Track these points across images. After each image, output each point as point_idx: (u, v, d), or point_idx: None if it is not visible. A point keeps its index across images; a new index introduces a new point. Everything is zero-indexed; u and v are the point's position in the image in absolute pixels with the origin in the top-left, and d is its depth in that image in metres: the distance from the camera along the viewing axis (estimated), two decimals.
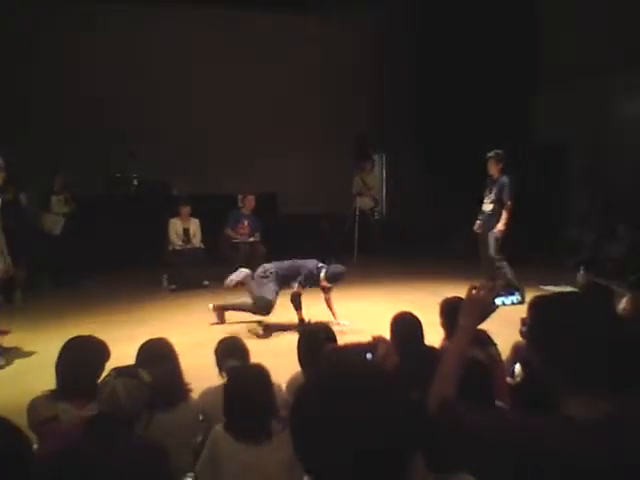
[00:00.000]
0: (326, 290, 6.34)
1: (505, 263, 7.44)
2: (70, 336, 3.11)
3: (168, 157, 10.59)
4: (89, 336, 3.12)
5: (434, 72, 11.31)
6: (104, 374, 2.47)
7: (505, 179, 7.70)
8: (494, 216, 7.68)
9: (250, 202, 9.04)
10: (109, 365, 2.99)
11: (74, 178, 9.05)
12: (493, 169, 7.74)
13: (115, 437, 2.21)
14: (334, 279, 6.22)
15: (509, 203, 7.55)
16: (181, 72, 11.21)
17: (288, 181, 11.16)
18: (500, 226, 7.56)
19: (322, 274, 6.18)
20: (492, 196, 7.73)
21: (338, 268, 6.29)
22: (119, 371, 2.40)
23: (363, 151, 11.70)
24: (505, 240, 7.61)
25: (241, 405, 2.53)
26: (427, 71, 11.57)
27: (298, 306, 6.26)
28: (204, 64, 11.32)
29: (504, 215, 7.59)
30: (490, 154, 7.76)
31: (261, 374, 2.67)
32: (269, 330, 6.27)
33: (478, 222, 7.87)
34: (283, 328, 6.27)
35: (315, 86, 12.05)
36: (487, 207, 7.78)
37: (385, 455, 1.03)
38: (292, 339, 5.66)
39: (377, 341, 1.63)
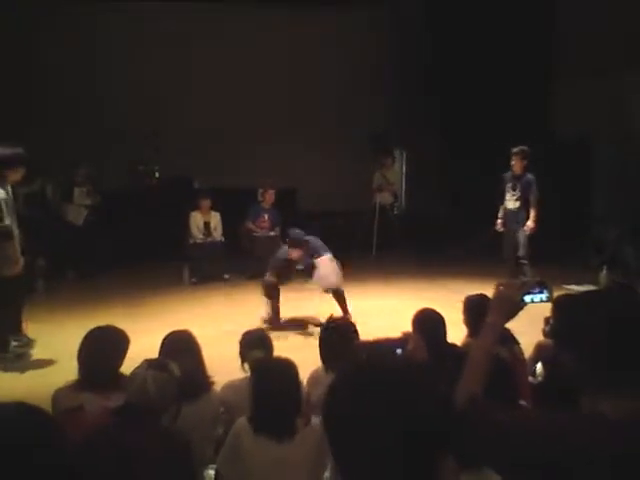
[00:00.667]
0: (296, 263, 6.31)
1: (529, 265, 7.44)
2: (91, 327, 3.15)
3: (190, 150, 10.62)
4: (108, 326, 3.16)
5: (452, 67, 11.20)
6: (134, 365, 2.49)
7: (531, 176, 7.61)
8: (520, 214, 7.60)
9: (270, 196, 9.06)
10: (130, 357, 3.04)
11: (97, 170, 9.14)
12: (518, 166, 7.61)
13: (142, 427, 2.23)
14: (293, 244, 6.17)
15: (537, 201, 7.49)
16: (206, 66, 11.23)
17: (305, 178, 11.14)
18: (531, 224, 7.49)
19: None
20: (517, 193, 7.63)
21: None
22: (150, 363, 2.42)
23: (383, 146, 11.64)
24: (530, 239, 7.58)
25: (270, 400, 2.54)
26: (445, 67, 11.45)
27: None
28: (227, 62, 11.34)
29: (533, 213, 7.50)
30: (515, 150, 7.63)
31: (291, 369, 2.68)
32: (289, 324, 6.29)
33: (500, 220, 7.78)
34: (300, 323, 6.30)
35: (332, 83, 12.00)
36: (512, 204, 7.66)
37: (417, 450, 1.04)
38: (309, 334, 5.76)
39: (407, 337, 1.64)
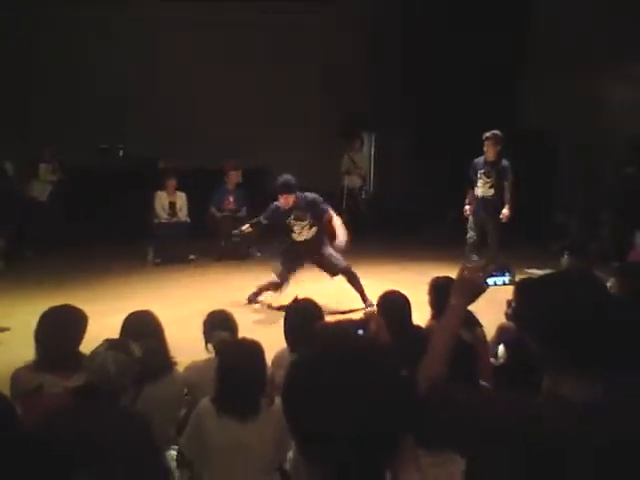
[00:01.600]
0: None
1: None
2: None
3: (157, 130, 10.46)
4: (65, 305, 3.11)
5: (422, 53, 11.23)
6: (95, 346, 2.45)
7: (506, 163, 7.31)
8: (493, 202, 7.31)
9: (233, 177, 8.97)
10: (92, 337, 2.99)
11: (62, 148, 9.01)
12: (491, 151, 7.27)
13: (100, 407, 2.21)
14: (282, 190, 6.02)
15: (513, 188, 7.21)
16: (175, 47, 11.03)
17: (276, 159, 11.06)
18: (507, 212, 7.21)
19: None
20: (491, 180, 7.32)
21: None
22: (111, 343, 2.39)
23: (351, 129, 11.61)
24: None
25: (234, 379, 2.53)
26: (415, 52, 11.47)
27: None
28: (198, 43, 11.16)
29: (510, 201, 7.21)
30: (487, 135, 7.28)
31: (257, 349, 2.67)
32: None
33: (468, 206, 7.49)
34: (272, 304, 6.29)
35: (304, 62, 11.92)
36: (485, 192, 7.36)
37: (376, 429, 1.04)
38: (276, 315, 5.75)
39: (369, 318, 1.63)
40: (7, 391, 2.72)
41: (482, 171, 7.39)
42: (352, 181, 10.96)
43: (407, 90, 11.86)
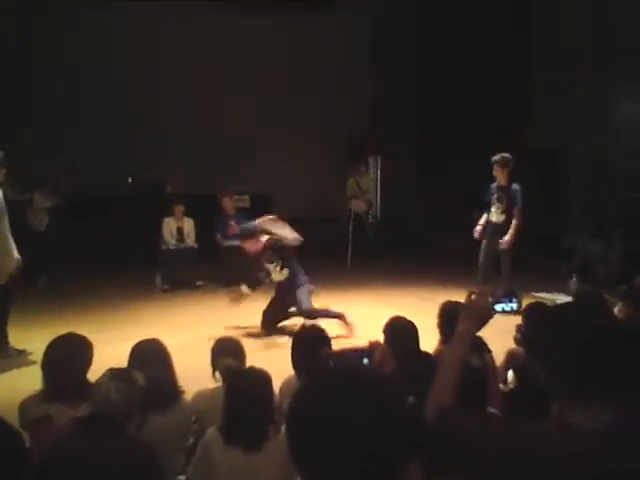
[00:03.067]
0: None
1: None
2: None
3: (163, 156, 10.56)
4: (70, 334, 3.11)
5: (431, 73, 11.33)
6: (98, 375, 2.45)
7: (517, 186, 7.09)
8: (504, 228, 7.08)
9: (227, 203, 8.97)
10: (101, 365, 2.99)
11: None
12: (500, 175, 7.09)
13: (105, 437, 2.21)
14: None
15: (520, 214, 7.03)
16: (180, 71, 11.16)
17: (283, 182, 11.13)
18: (508, 237, 7.00)
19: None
20: (502, 206, 7.12)
21: None
22: (114, 373, 2.39)
23: (357, 154, 11.68)
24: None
25: (242, 410, 2.52)
26: (424, 73, 11.60)
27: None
28: (202, 63, 11.27)
29: (514, 226, 7.01)
30: (495, 158, 7.09)
31: (265, 379, 2.66)
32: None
33: (479, 227, 7.30)
34: (281, 331, 6.26)
35: (310, 87, 12.03)
36: (497, 217, 7.17)
37: (379, 459, 1.03)
38: (284, 342, 5.73)
39: (374, 346, 1.63)
40: (15, 420, 2.72)
41: (495, 196, 7.19)
42: (358, 205, 10.99)
43: (413, 113, 11.95)
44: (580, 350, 1.40)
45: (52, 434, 2.53)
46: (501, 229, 7.10)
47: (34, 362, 3.92)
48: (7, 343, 5.49)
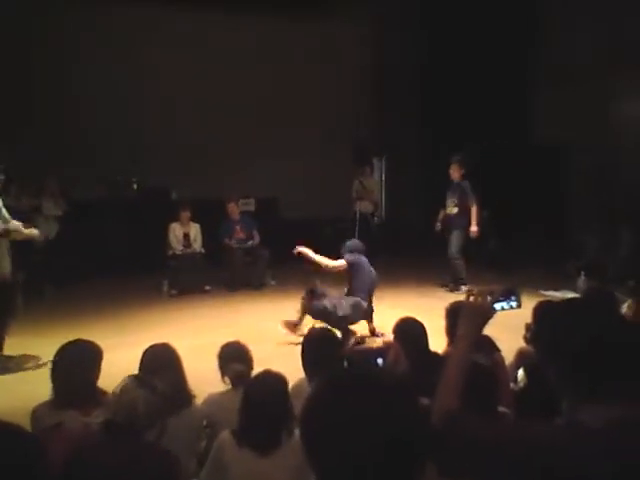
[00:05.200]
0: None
1: (462, 261, 8.17)
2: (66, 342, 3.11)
3: (168, 161, 10.58)
4: (79, 340, 3.12)
5: (434, 73, 11.33)
6: (112, 379, 2.46)
7: (467, 183, 8.24)
8: (457, 218, 8.24)
9: (232, 208, 9.07)
10: (110, 371, 3.01)
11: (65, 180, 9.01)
12: (456, 174, 8.28)
13: (126, 444, 2.21)
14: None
15: (475, 206, 8.12)
16: (183, 74, 11.19)
17: (288, 185, 11.15)
18: (474, 227, 8.09)
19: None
20: (455, 200, 8.29)
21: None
22: (139, 381, 2.39)
23: (362, 155, 11.69)
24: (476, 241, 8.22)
25: (259, 414, 2.53)
26: (427, 72, 11.59)
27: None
28: (205, 65, 11.31)
29: (475, 216, 8.11)
30: (455, 158, 8.30)
31: (281, 383, 2.67)
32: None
33: (438, 223, 8.53)
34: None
35: (315, 89, 12.04)
36: (451, 211, 8.35)
37: (394, 460, 1.04)
38: (292, 345, 5.73)
39: (387, 346, 1.64)
40: (28, 427, 2.73)
41: (449, 192, 8.44)
42: (364, 206, 10.98)
43: (418, 115, 11.95)
44: (590, 347, 1.40)
45: (66, 441, 2.54)
46: (454, 220, 8.29)
47: (45, 369, 3.93)
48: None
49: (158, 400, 2.36)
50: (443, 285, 8.36)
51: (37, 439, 1.45)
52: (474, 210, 8.14)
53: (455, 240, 8.22)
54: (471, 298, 1.76)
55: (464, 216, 8.19)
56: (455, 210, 8.32)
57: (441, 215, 8.56)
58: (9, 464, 1.25)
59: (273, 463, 2.48)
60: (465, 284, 7.84)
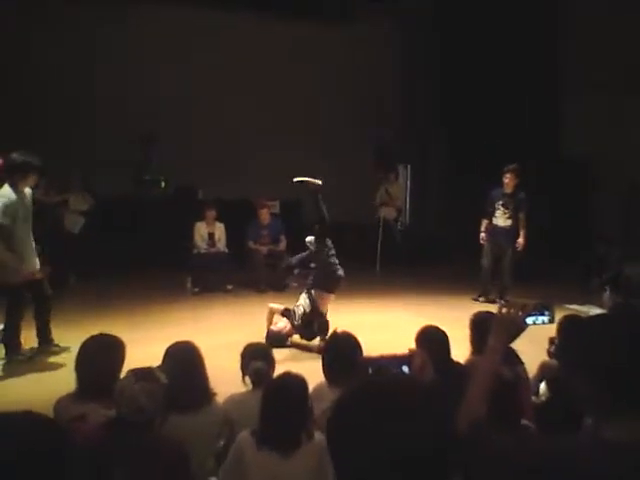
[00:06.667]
0: None
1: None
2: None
3: (196, 160, 10.65)
4: (102, 334, 3.17)
5: (460, 80, 11.24)
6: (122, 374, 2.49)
7: (524, 195, 7.79)
8: (511, 232, 7.78)
9: (263, 214, 9.07)
10: (135, 364, 3.04)
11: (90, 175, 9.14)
12: (511, 183, 7.77)
13: (133, 438, 2.23)
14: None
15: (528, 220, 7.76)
16: (215, 75, 11.23)
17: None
18: (522, 241, 7.70)
19: None
20: (509, 212, 7.80)
21: None
22: (137, 375, 2.41)
23: (387, 161, 11.66)
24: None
25: (279, 413, 2.54)
26: (452, 80, 11.50)
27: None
28: (238, 66, 11.35)
29: (524, 231, 7.73)
30: (511, 167, 7.77)
31: (302, 384, 2.68)
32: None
33: (484, 234, 7.99)
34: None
35: (342, 95, 12.04)
36: (503, 222, 7.85)
37: (419, 471, 1.04)
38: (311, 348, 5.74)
39: (413, 354, 1.64)
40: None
41: (500, 202, 7.88)
42: (388, 212, 10.97)
43: (443, 121, 11.88)
44: (616, 362, 1.39)
45: (86, 433, 2.57)
46: (507, 233, 7.84)
47: (69, 362, 3.99)
48: (19, 345, 5.58)
49: (159, 390, 2.37)
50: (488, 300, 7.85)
51: (62, 429, 1.47)
52: (524, 223, 7.78)
53: (511, 261, 7.80)
54: (504, 310, 1.75)
55: (517, 230, 7.80)
56: (509, 222, 7.84)
57: (484, 225, 8.04)
58: (34, 451, 1.27)
59: (292, 465, 2.48)
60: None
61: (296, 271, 6.15)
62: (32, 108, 10.10)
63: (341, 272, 5.96)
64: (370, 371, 1.57)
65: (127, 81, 10.84)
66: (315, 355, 3.34)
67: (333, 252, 6.04)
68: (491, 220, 7.96)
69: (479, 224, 8.16)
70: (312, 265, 6.21)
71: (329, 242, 6.06)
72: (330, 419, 1.13)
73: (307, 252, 6.39)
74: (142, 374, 2.42)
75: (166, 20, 11.17)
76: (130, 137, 10.35)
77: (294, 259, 6.55)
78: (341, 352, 3.13)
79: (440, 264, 10.09)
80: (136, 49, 10.87)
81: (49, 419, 1.42)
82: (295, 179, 6.41)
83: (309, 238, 6.29)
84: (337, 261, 6.04)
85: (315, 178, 6.31)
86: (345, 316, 6.31)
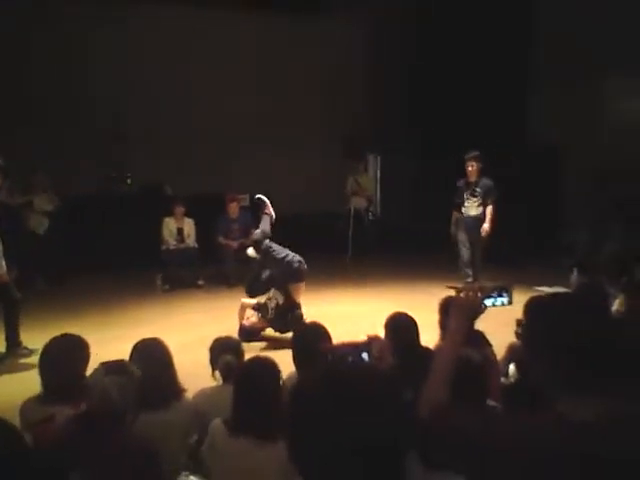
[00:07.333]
0: None
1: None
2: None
3: (162, 156, 10.54)
4: (65, 335, 3.11)
5: (429, 71, 11.30)
6: (91, 369, 2.45)
7: (489, 180, 7.76)
8: (484, 220, 7.73)
9: (233, 207, 9.00)
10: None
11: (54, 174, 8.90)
12: (474, 171, 7.74)
13: (103, 434, 2.20)
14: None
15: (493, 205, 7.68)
16: (177, 72, 11.12)
17: (279, 181, 11.11)
18: (487, 226, 7.66)
19: None
20: (478, 200, 7.77)
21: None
22: (108, 368, 2.37)
23: (355, 151, 11.66)
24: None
25: (251, 397, 2.53)
26: (422, 70, 11.56)
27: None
28: (200, 64, 11.25)
29: (490, 216, 7.67)
30: (471, 155, 7.73)
31: (273, 368, 2.67)
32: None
33: (453, 227, 8.00)
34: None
35: (307, 85, 12.03)
36: (475, 211, 7.82)
37: (377, 454, 1.04)
38: (282, 340, 5.73)
39: (372, 341, 1.63)
40: (15, 423, 2.72)
41: (468, 192, 7.86)
42: (358, 202, 10.99)
43: (412, 111, 11.93)
44: (577, 341, 1.40)
45: (53, 433, 2.53)
46: (478, 222, 7.75)
47: (33, 364, 3.92)
48: (20, 343, 5.60)
49: (130, 383, 2.34)
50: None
51: (17, 431, 1.44)
52: (491, 209, 7.69)
53: (481, 248, 7.80)
54: (461, 294, 1.76)
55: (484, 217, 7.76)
56: (481, 210, 7.79)
57: (454, 217, 8.06)
58: None
59: (266, 452, 2.47)
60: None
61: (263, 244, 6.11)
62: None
63: (297, 259, 5.94)
64: (329, 358, 1.57)
65: (98, 80, 10.68)
66: (288, 348, 3.34)
67: (277, 248, 6.07)
68: (461, 211, 7.97)
69: (450, 214, 8.18)
70: (268, 272, 6.16)
71: (267, 242, 6.12)
72: (289, 406, 1.12)
73: (256, 264, 6.33)
74: (113, 367, 2.39)
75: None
76: (96, 134, 10.24)
77: (256, 234, 6.45)
78: (308, 342, 3.13)
79: (411, 253, 10.15)
80: (102, 44, 10.72)
81: (5, 422, 1.39)
82: (257, 195, 6.72)
83: (249, 251, 6.34)
84: (288, 252, 6.03)
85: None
86: (319, 307, 6.34)
